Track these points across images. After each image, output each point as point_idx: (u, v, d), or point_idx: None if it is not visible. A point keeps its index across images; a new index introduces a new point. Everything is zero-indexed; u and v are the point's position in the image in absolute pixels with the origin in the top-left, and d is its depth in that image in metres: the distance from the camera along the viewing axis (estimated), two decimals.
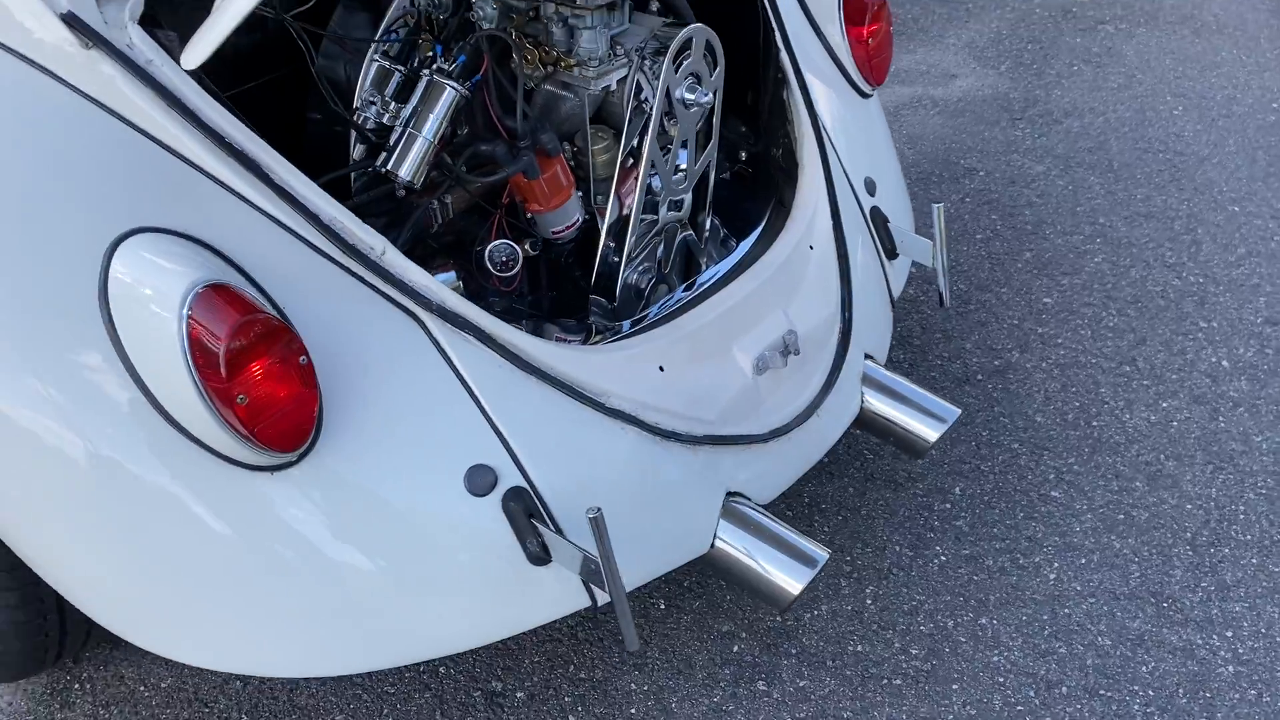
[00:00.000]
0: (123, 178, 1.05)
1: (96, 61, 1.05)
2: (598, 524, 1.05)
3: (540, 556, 1.12)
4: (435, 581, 1.11)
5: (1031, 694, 1.44)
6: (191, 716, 1.40)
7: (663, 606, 1.55)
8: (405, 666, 1.45)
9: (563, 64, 1.33)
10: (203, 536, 1.03)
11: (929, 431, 1.47)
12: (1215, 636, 1.52)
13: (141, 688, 1.44)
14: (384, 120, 1.28)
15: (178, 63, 1.06)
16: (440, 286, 1.14)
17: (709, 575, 1.57)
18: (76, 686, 1.44)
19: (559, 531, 1.11)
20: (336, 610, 1.08)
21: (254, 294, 1.02)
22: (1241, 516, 1.70)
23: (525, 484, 1.13)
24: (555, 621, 1.47)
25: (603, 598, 1.15)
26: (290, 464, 1.04)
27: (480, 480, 1.12)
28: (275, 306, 1.04)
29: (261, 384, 0.98)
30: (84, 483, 1.03)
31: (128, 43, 1.05)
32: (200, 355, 0.96)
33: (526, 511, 1.11)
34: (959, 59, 3.17)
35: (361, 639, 1.09)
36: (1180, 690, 1.45)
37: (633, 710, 1.42)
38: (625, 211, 1.39)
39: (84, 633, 1.28)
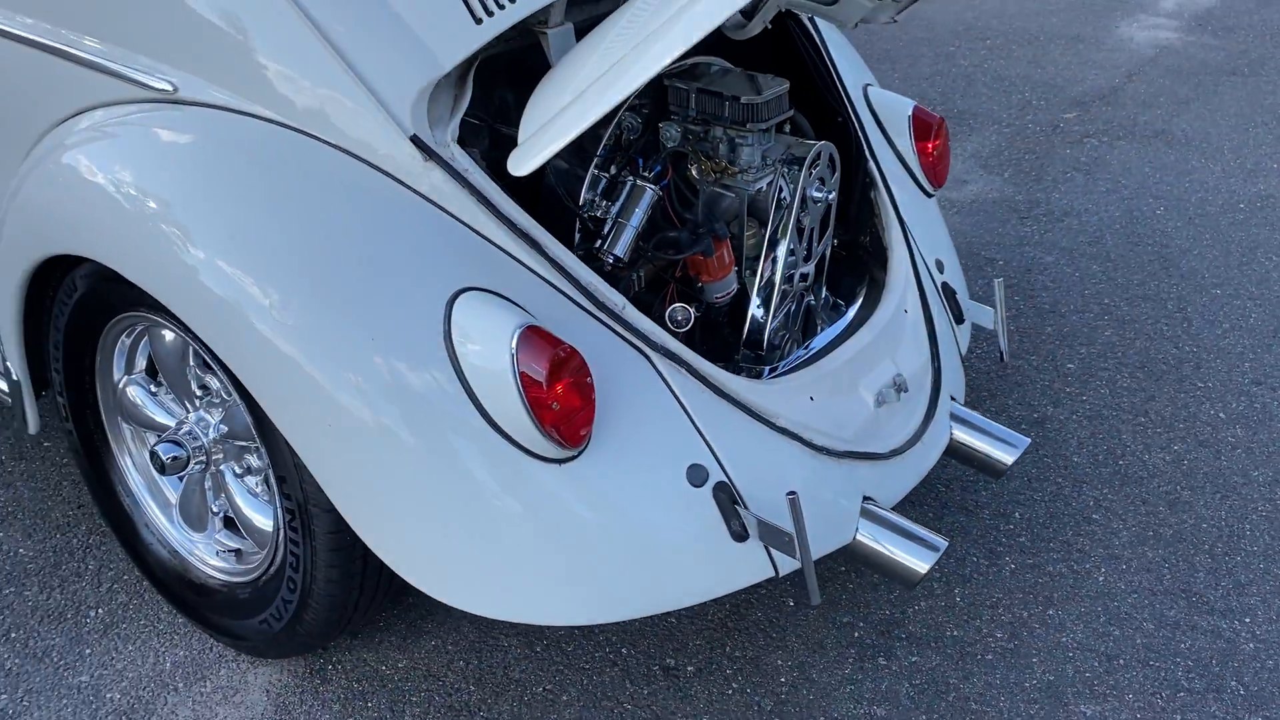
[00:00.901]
0: (451, 252, 1.44)
1: (430, 170, 1.45)
2: (794, 504, 1.43)
3: (740, 534, 1.48)
4: (666, 551, 1.47)
5: (1096, 664, 1.81)
6: (427, 688, 1.73)
7: (792, 604, 1.91)
8: (594, 646, 1.79)
9: (727, 171, 1.76)
10: (510, 513, 1.39)
11: (1006, 456, 1.86)
12: (1236, 621, 1.89)
13: (383, 667, 1.76)
14: (598, 214, 1.68)
15: (485, 172, 1.46)
16: (662, 333, 1.53)
17: (824, 581, 1.93)
18: (329, 668, 1.76)
19: (750, 518, 1.48)
20: (596, 572, 1.43)
21: (563, 321, 1.41)
22: (1248, 532, 2.09)
23: (727, 479, 1.50)
24: (710, 611, 1.83)
25: (785, 568, 1.51)
26: (573, 458, 1.41)
27: (696, 475, 1.49)
28: None
29: (564, 397, 1.35)
30: (424, 473, 1.38)
31: (451, 157, 1.46)
32: (525, 375, 1.33)
33: (730, 499, 1.48)
34: (967, 167, 3.66)
35: (611, 595, 1.45)
36: (1213, 661, 1.81)
37: (782, 679, 1.77)
38: (768, 283, 1.79)
39: (363, 613, 1.62)
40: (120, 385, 1.76)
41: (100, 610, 1.86)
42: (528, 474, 1.39)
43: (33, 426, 1.88)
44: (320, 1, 1.42)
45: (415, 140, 1.44)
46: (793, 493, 1.44)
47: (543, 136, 1.37)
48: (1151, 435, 2.35)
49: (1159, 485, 2.21)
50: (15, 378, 1.82)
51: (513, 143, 1.53)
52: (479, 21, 1.47)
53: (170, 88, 1.50)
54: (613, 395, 1.46)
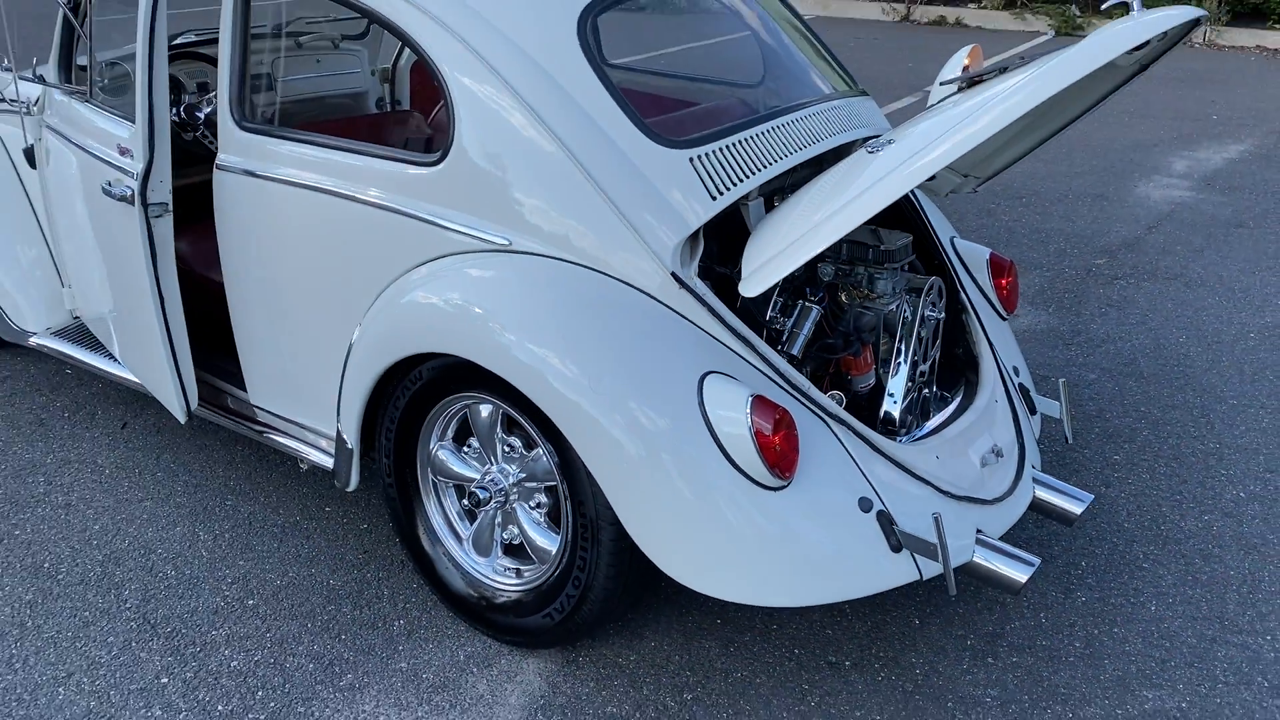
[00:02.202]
0: (697, 348, 2.13)
1: (682, 295, 2.16)
2: (938, 521, 2.07)
3: (896, 546, 2.12)
4: (846, 555, 2.10)
5: (1152, 664, 2.39)
6: (654, 673, 2.34)
7: (917, 622, 2.52)
8: (775, 645, 2.40)
9: (868, 297, 2.47)
10: (743, 524, 2.04)
11: (1075, 508, 2.49)
12: (1260, 639, 2.48)
13: (618, 659, 2.38)
14: (777, 326, 2.39)
15: (715, 296, 2.18)
16: (835, 405, 2.21)
17: (933, 609, 2.54)
18: (580, 659, 2.38)
19: (904, 534, 2.12)
20: (801, 567, 2.07)
21: (775, 395, 2.09)
22: (1266, 578, 2.69)
23: (885, 509, 2.15)
24: (857, 625, 2.44)
25: (927, 573, 2.14)
26: (785, 487, 2.06)
27: (865, 504, 2.14)
28: None
29: (781, 444, 2.02)
30: (684, 496, 2.04)
31: (695, 286, 2.17)
32: (757, 430, 2.01)
33: (889, 522, 2.13)
34: (1018, 304, 4.38)
35: (812, 584, 2.07)
36: (1243, 664, 2.40)
37: (916, 671, 2.36)
38: (897, 377, 2.48)
39: (622, 606, 2.25)
40: (434, 449, 2.44)
41: (401, 621, 2.50)
42: (755, 498, 2.05)
43: (353, 485, 2.55)
44: (614, 186, 2.16)
45: (674, 275, 2.16)
46: (937, 513, 2.09)
47: (769, 269, 2.08)
48: (1185, 508, 2.97)
49: (1194, 544, 2.82)
50: (350, 446, 2.51)
51: (721, 277, 2.25)
52: (714, 198, 2.22)
53: (506, 242, 2.24)
54: (806, 446, 2.13)
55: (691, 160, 2.23)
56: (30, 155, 3.30)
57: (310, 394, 2.67)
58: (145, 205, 2.57)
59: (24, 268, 3.49)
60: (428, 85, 3.97)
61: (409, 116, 3.27)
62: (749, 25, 2.79)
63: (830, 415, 2.20)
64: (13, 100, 3.30)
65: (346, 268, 2.46)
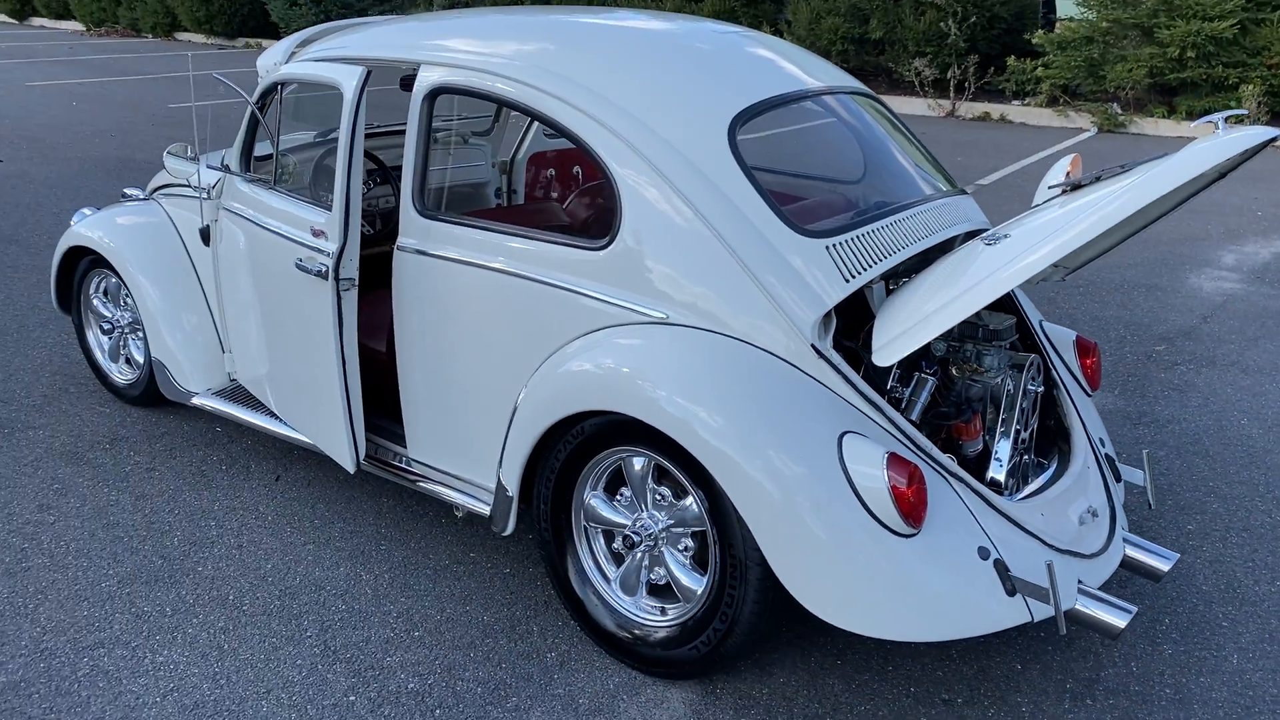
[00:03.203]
0: (834, 411, 2.45)
1: (820, 364, 2.49)
2: (1051, 568, 2.35)
3: (1011, 591, 2.40)
4: (967, 597, 2.38)
5: (1239, 710, 2.63)
6: (786, 704, 2.60)
7: (1019, 666, 2.77)
8: (893, 684, 2.66)
9: (976, 371, 2.79)
10: (878, 568, 2.32)
11: (1163, 565, 2.76)
12: None
13: (752, 691, 2.65)
14: (896, 394, 2.71)
15: (847, 365, 2.50)
16: (955, 464, 2.51)
17: (1032, 656, 2.79)
18: (718, 690, 2.65)
19: (1018, 580, 2.39)
20: (928, 607, 2.35)
21: (905, 453, 2.40)
22: None
23: (1000, 557, 2.43)
24: (965, 669, 2.70)
25: (1038, 615, 2.41)
26: (914, 534, 2.36)
27: (983, 553, 2.43)
28: None
29: (915, 495, 2.32)
30: (826, 542, 2.34)
31: (831, 356, 2.50)
32: (893, 483, 2.31)
33: (1004, 569, 2.41)
34: None
35: (939, 622, 2.35)
36: None
37: (1023, 709, 2.61)
38: (1002, 443, 2.77)
39: (763, 639, 2.53)
40: (587, 497, 2.76)
41: (553, 654, 2.78)
42: (888, 544, 2.34)
43: (509, 530, 2.87)
44: (761, 269, 2.51)
45: (813, 347, 2.49)
46: (1050, 561, 2.37)
47: (901, 342, 2.41)
48: (1259, 573, 3.22)
49: (1269, 606, 3.06)
50: (510, 494, 2.83)
51: (847, 349, 2.59)
52: (847, 280, 2.56)
53: (663, 316, 2.59)
54: (932, 499, 2.43)
55: (828, 248, 2.58)
56: (205, 234, 3.72)
57: (471, 449, 3.00)
58: (337, 280, 2.95)
59: (188, 333, 3.88)
60: (540, 176, 4.39)
61: (551, 206, 3.66)
62: (860, 128, 3.17)
63: (950, 473, 2.50)
64: (196, 186, 3.72)
65: (515, 337, 2.81)
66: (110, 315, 4.19)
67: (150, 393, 4.03)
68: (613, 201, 2.66)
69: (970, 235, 3.04)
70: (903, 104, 13.21)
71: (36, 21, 26.05)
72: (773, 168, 3.07)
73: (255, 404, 3.70)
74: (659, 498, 2.66)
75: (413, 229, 2.97)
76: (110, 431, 3.99)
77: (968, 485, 2.51)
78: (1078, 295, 5.95)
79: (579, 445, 2.70)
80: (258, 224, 3.36)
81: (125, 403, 4.21)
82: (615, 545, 2.76)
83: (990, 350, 2.78)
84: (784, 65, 3.07)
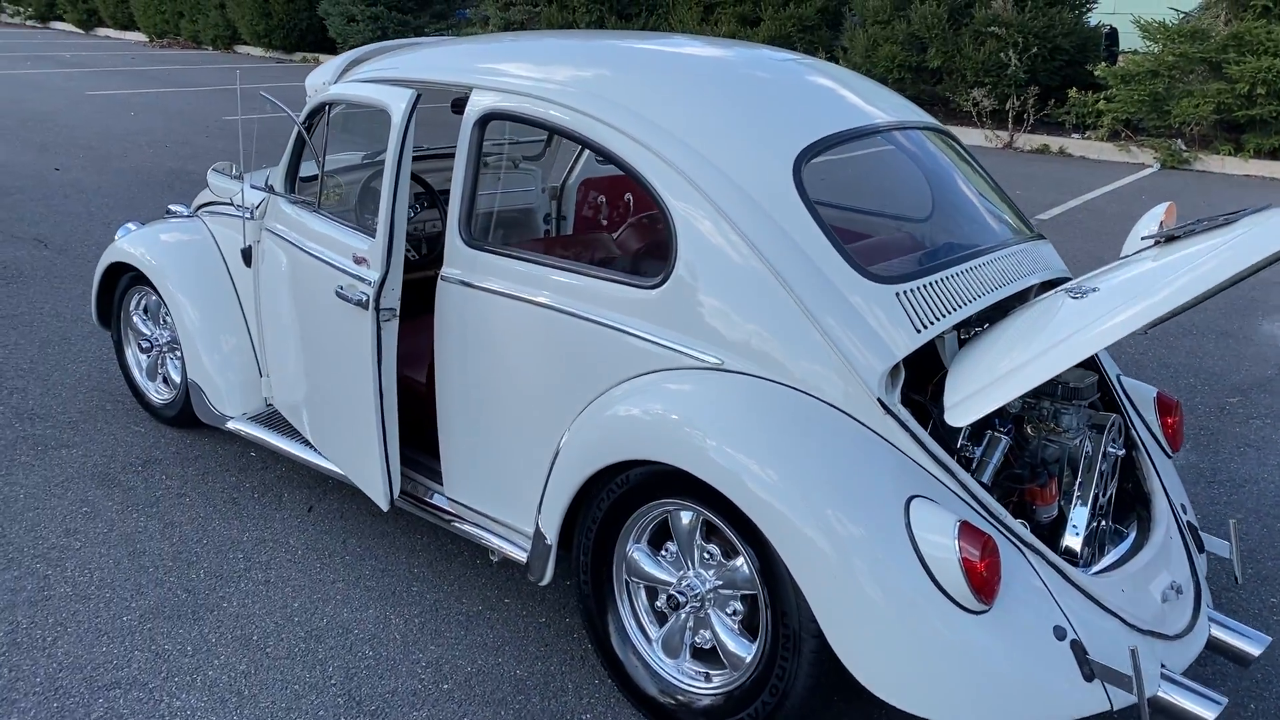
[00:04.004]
0: (901, 471, 2.28)
1: (886, 419, 2.31)
2: (1135, 654, 2.15)
3: (1089, 676, 2.20)
4: (1041, 681, 2.18)
5: None
6: None
7: None
8: None
9: (1053, 431, 2.59)
10: (944, 645, 2.14)
11: (1253, 649, 2.54)
12: None
13: None
14: (967, 454, 2.52)
15: (917, 422, 2.32)
16: (1029, 534, 2.32)
17: None
18: None
19: (1097, 665, 2.19)
20: (998, 690, 2.15)
21: (978, 521, 2.21)
22: None
23: (1077, 638, 2.23)
24: None
25: (1117, 702, 2.20)
26: (985, 612, 2.17)
27: (1059, 633, 2.23)
28: None
29: (988, 569, 2.13)
30: (888, 615, 2.15)
31: (899, 412, 2.32)
32: (965, 555, 2.12)
33: (1082, 651, 2.21)
34: None
35: (1006, 708, 2.16)
36: None
37: None
38: (1079, 509, 2.58)
39: (814, 713, 2.35)
40: (630, 550, 2.60)
41: (588, 715, 2.62)
42: (957, 620, 2.16)
43: (546, 579, 2.71)
44: (826, 316, 2.34)
45: (879, 402, 2.31)
46: (1134, 646, 2.17)
47: (977, 402, 2.23)
48: None
49: None
50: (549, 542, 2.68)
51: (915, 403, 2.41)
52: (918, 331, 2.38)
53: (718, 361, 2.43)
54: (1005, 573, 2.24)
55: (898, 295, 2.41)
56: (247, 255, 3.62)
57: (509, 492, 2.85)
58: (378, 310, 2.83)
59: (225, 355, 3.79)
60: (591, 203, 4.26)
61: (601, 237, 3.53)
62: (932, 167, 2.99)
63: (1025, 544, 2.31)
64: (239, 206, 3.63)
65: (560, 377, 2.67)
66: (150, 333, 4.11)
67: (186, 414, 3.94)
68: (667, 237, 2.51)
69: (1049, 284, 2.85)
70: (959, 134, 12.96)
71: (102, 32, 26.58)
72: (838, 206, 2.91)
73: (291, 431, 3.59)
74: (707, 556, 2.49)
75: (458, 259, 2.84)
76: (144, 452, 3.90)
77: (1043, 557, 2.32)
78: (1144, 340, 5.70)
79: (623, 495, 2.54)
80: (300, 247, 3.25)
81: (160, 422, 4.13)
82: (658, 603, 2.59)
83: (1069, 409, 2.59)
84: (850, 97, 2.91)
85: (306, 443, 3.49)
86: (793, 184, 2.48)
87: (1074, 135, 12.51)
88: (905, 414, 2.33)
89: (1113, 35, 13.77)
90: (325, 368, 3.19)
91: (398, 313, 2.89)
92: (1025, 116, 12.43)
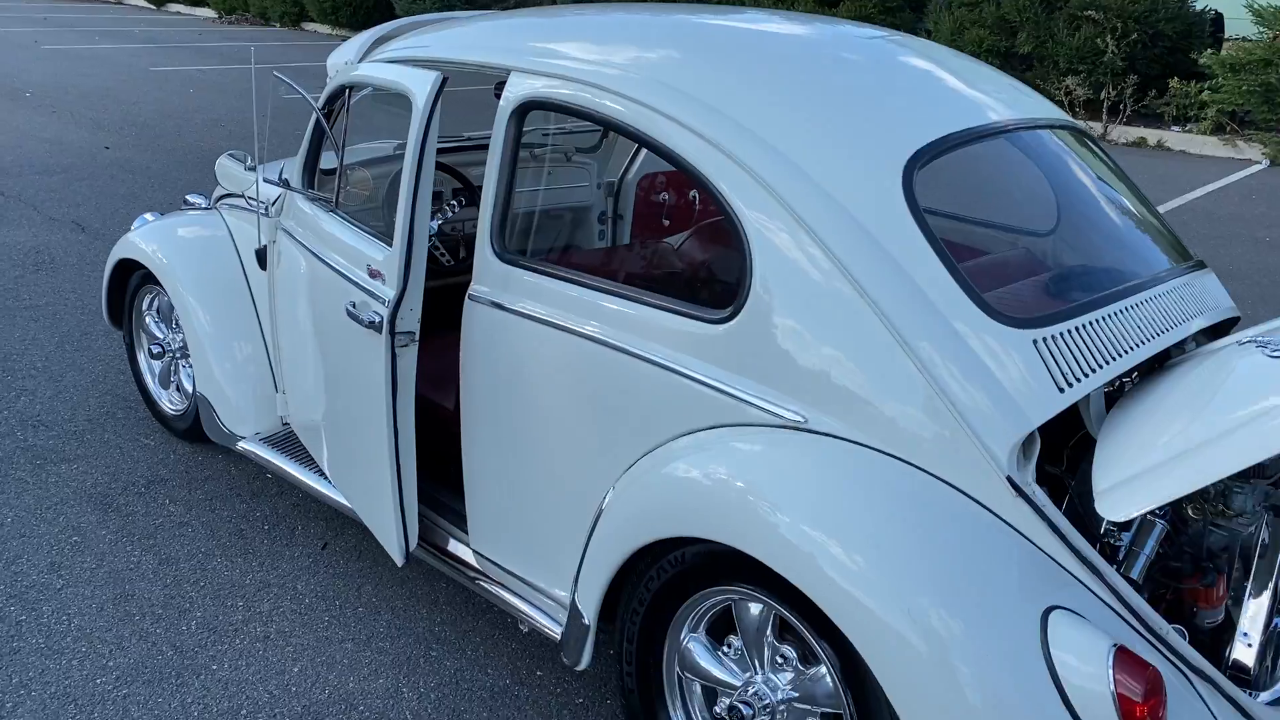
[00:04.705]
0: (1035, 573, 1.77)
1: (1018, 504, 1.81)
2: None
3: None
4: None
5: None
6: None
7: None
8: None
9: (1222, 514, 2.06)
10: None
11: None
12: None
13: None
14: (1112, 541, 2.00)
15: (1057, 509, 1.81)
16: (1198, 656, 1.80)
17: None
18: None
19: None
20: None
21: (1138, 646, 1.70)
22: None
23: None
24: None
25: None
26: None
27: None
28: None
29: (1152, 710, 1.63)
30: None
31: (1033, 494, 1.82)
32: (1122, 692, 1.62)
33: None
34: None
35: None
36: None
37: None
38: (1253, 615, 2.04)
39: None
40: (684, 640, 2.13)
41: None
42: None
43: (584, 664, 2.26)
44: (942, 368, 1.84)
45: (1009, 481, 1.81)
46: None
47: (1137, 493, 1.71)
48: None
49: None
50: (586, 622, 2.22)
51: (1050, 477, 1.89)
52: (1061, 390, 1.87)
53: (800, 419, 1.94)
54: (1170, 709, 1.72)
55: (1036, 343, 1.89)
56: (262, 256, 3.21)
57: (544, 550, 2.40)
58: (393, 334, 2.39)
59: (238, 366, 3.39)
60: (653, 201, 3.78)
61: (661, 249, 3.05)
62: (1073, 181, 2.45)
63: (1191, 668, 1.79)
64: (253, 199, 3.22)
65: (603, 423, 2.20)
66: (162, 336, 3.73)
67: (198, 428, 3.55)
68: (741, 261, 2.02)
69: (1215, 328, 2.31)
70: None
71: (173, 7, 26.66)
72: (953, 224, 2.39)
73: (308, 457, 3.18)
74: (780, 660, 2.01)
75: (488, 275, 2.38)
76: (149, 471, 3.52)
77: (1212, 683, 1.80)
78: None
79: (676, 576, 2.07)
80: (314, 253, 2.83)
81: (171, 434, 3.75)
82: (718, 709, 2.12)
83: (1243, 487, 2.05)
84: (965, 88, 2.39)
85: (322, 473, 3.07)
86: (903, 199, 1.97)
87: (1174, 128, 11.68)
88: (1042, 498, 1.82)
89: (1218, 20, 12.88)
90: (338, 393, 2.76)
91: (417, 337, 2.45)
92: (1121, 107, 11.64)
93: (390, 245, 2.43)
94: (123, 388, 4.12)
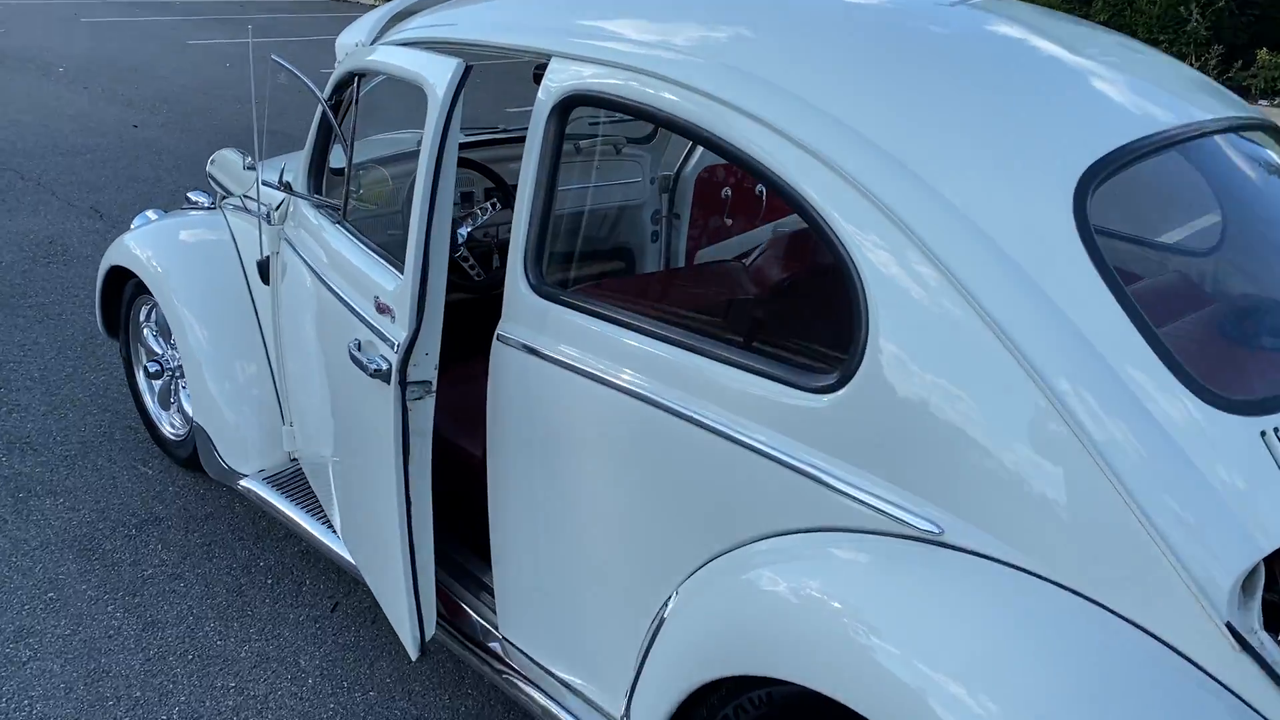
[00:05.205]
0: None
1: (1240, 660, 1.31)
2: None
3: None
4: None
5: None
6: None
7: None
8: None
9: None
10: None
11: None
12: None
13: None
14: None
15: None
16: None
17: None
18: None
19: None
20: None
21: None
22: None
23: None
24: None
25: None
26: None
27: None
28: None
29: None
30: None
31: (1260, 646, 1.32)
32: None
33: None
34: None
35: None
36: None
37: None
38: None
39: None
40: None
41: None
42: None
43: None
44: (1131, 466, 1.35)
45: (1228, 627, 1.31)
46: None
47: None
48: None
49: None
50: None
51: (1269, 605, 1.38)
52: None
53: (935, 529, 1.45)
54: None
55: (1264, 436, 1.39)
56: (264, 270, 2.77)
57: (586, 650, 1.95)
58: (404, 385, 1.93)
59: (240, 389, 2.96)
60: (712, 197, 3.29)
61: (731, 270, 2.56)
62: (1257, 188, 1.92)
63: None
64: (252, 203, 2.78)
65: (665, 509, 1.73)
66: (161, 353, 3.32)
67: (199, 457, 3.14)
68: (853, 309, 1.53)
69: None
70: None
71: None
72: (1131, 250, 1.86)
73: (319, 502, 2.75)
74: None
75: (521, 311, 1.91)
76: (143, 507, 3.11)
77: None
78: None
79: (761, 717, 1.60)
80: (317, 273, 2.38)
81: (172, 462, 3.35)
82: None
83: None
84: (1130, 76, 1.86)
85: (332, 526, 2.64)
86: (1075, 230, 1.47)
87: (1261, 102, 10.89)
88: (1274, 650, 1.32)
89: None
90: (347, 442, 2.32)
91: (434, 387, 1.99)
92: None
93: (403, 272, 1.96)
94: (124, 404, 3.72)
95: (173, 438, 3.32)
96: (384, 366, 1.94)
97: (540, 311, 1.89)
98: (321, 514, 2.69)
